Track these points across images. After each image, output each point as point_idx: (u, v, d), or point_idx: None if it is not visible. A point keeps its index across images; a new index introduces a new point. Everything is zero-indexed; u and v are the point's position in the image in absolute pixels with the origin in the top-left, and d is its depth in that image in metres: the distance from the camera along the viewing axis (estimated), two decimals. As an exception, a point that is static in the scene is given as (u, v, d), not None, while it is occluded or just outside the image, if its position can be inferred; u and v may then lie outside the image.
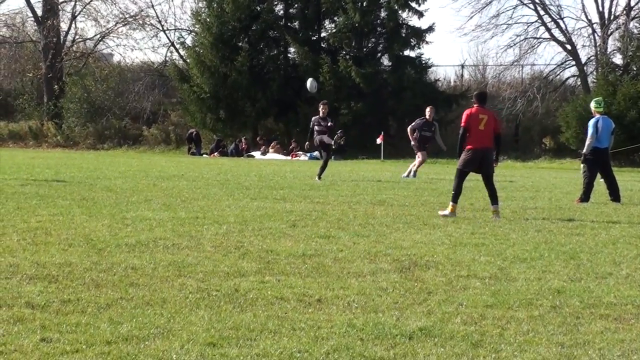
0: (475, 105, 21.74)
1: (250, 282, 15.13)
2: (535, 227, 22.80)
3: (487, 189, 23.88)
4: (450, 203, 23.02)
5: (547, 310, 13.55)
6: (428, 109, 48.12)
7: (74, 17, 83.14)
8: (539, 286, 15.53)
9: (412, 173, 45.44)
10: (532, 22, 78.94)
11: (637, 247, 20.31)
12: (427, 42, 73.98)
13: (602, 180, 32.93)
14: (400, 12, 72.28)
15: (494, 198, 23.72)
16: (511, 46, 79.44)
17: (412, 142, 46.35)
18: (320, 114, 36.86)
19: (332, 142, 38.91)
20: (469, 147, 21.82)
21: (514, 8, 79.38)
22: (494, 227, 22.51)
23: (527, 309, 13.59)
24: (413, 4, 73.27)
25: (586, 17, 79.80)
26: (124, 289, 14.41)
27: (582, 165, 31.22)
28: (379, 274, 16.15)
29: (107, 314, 12.47)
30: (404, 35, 72.83)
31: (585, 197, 30.12)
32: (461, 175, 23.18)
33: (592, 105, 31.21)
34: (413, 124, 46.93)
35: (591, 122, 30.44)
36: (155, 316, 12.41)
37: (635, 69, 69.97)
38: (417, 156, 46.01)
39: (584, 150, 30.44)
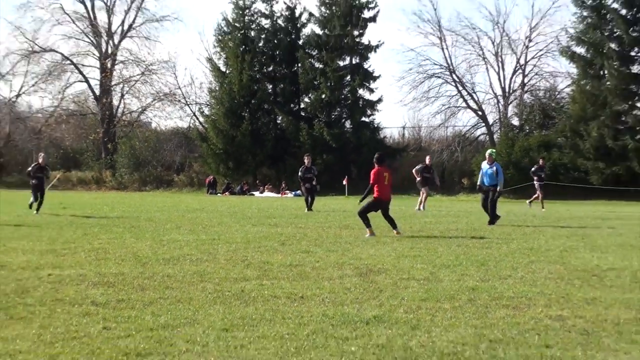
0: (377, 166, 21.49)
1: (253, 285, 15.41)
2: (456, 243, 23.06)
3: (387, 219, 23.45)
4: (367, 229, 22.57)
5: (464, 302, 13.90)
6: (427, 157, 47.19)
7: (122, 96, 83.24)
8: (458, 285, 15.85)
9: (422, 206, 43.54)
10: (454, 95, 79.01)
11: (529, 257, 20.65)
12: (378, 111, 73.95)
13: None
14: (358, 89, 72.17)
15: (393, 224, 23.31)
16: (438, 112, 79.82)
17: (418, 180, 44.17)
18: (306, 164, 36.66)
19: (316, 185, 37.69)
20: (376, 196, 21.86)
21: (440, 85, 79.09)
22: (427, 242, 22.66)
23: (450, 302, 13.92)
24: (367, 84, 73.29)
25: (492, 91, 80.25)
26: (161, 290, 14.71)
27: (483, 197, 30.25)
28: (344, 278, 16.42)
29: (150, 309, 12.76)
30: (361, 105, 72.62)
31: (492, 221, 29.63)
32: (364, 215, 22.70)
33: (493, 154, 30.80)
34: (417, 167, 44.88)
35: (500, 168, 30.10)
36: (184, 310, 12.72)
37: (527, 128, 70.56)
38: (421, 192, 44.25)
39: (499, 188, 29.58)
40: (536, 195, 43.49)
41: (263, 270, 17.88)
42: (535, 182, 44.12)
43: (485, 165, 30.27)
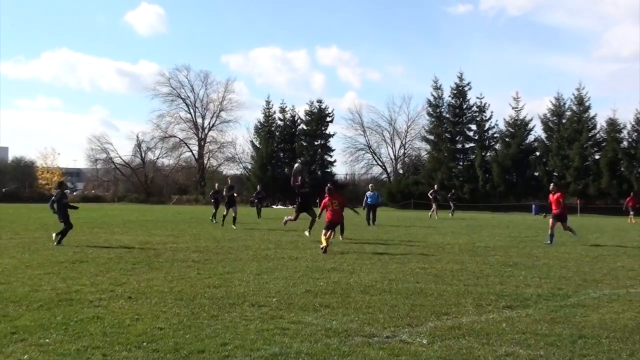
0: (327, 195, 18.65)
1: (271, 252, 16.21)
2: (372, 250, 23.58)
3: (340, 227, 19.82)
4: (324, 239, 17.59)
5: (376, 261, 14.69)
6: (436, 185, 46.26)
7: (208, 159, 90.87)
8: (372, 252, 16.59)
9: (435, 215, 40.16)
10: (370, 159, 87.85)
11: (408, 238, 21.68)
12: (334, 166, 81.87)
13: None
14: (324, 156, 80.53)
15: (341, 230, 20.30)
16: (363, 167, 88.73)
17: (432, 198, 40.91)
18: (229, 183, 29.09)
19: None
20: (327, 218, 18.30)
21: (363, 154, 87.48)
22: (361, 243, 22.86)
23: (370, 260, 14.71)
24: (329, 153, 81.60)
25: (389, 156, 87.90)
26: (226, 254, 15.52)
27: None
28: (319, 250, 17.04)
29: (221, 264, 13.52)
30: (325, 164, 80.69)
31: (374, 223, 29.12)
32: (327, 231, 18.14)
33: (373, 187, 31.71)
34: (432, 191, 41.80)
35: (378, 194, 30.88)
36: (237, 264, 13.49)
37: (407, 175, 77.02)
38: (433, 205, 40.79)
39: (379, 201, 30.52)
40: (433, 209, 41.13)
41: (278, 245, 18.46)
42: (432, 202, 41.38)
43: (369, 193, 30.39)
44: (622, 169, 64.00)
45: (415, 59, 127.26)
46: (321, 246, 16.48)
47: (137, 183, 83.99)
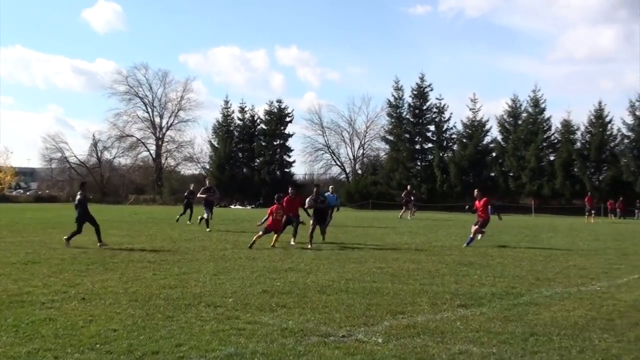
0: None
1: (229, 252, 16.13)
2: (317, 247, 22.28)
3: (293, 227, 19.43)
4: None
5: (334, 261, 14.87)
6: (409, 186, 44.02)
7: (166, 158, 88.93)
8: (330, 251, 16.92)
9: (408, 215, 39.36)
10: (329, 159, 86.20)
11: (365, 238, 21.82)
12: (292, 166, 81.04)
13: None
14: (283, 156, 79.87)
15: (295, 235, 19.51)
16: (322, 167, 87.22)
17: (405, 199, 40.40)
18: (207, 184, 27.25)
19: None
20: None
21: (322, 154, 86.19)
22: (319, 246, 19.55)
23: (327, 260, 14.85)
24: (288, 153, 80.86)
25: (348, 156, 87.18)
26: (183, 255, 15.44)
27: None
28: (274, 250, 17.46)
29: (177, 264, 13.40)
30: (284, 164, 79.95)
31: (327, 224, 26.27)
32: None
33: (333, 189, 30.15)
34: (405, 192, 41.03)
35: (337, 196, 29.15)
36: (194, 265, 13.46)
37: (366, 175, 76.55)
38: (407, 207, 40.19)
39: (338, 205, 28.37)
40: (404, 209, 40.61)
41: (235, 245, 18.38)
42: (404, 202, 40.87)
43: (329, 194, 27.77)
44: (575, 169, 65.22)
45: (375, 59, 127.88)
46: (250, 243, 17.55)
47: (93, 183, 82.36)
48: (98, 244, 17.32)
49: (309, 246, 17.80)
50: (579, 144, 67.05)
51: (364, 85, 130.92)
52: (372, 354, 6.53)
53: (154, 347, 6.65)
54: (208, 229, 24.05)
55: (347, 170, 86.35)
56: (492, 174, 69.77)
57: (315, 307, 8.94)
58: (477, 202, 20.00)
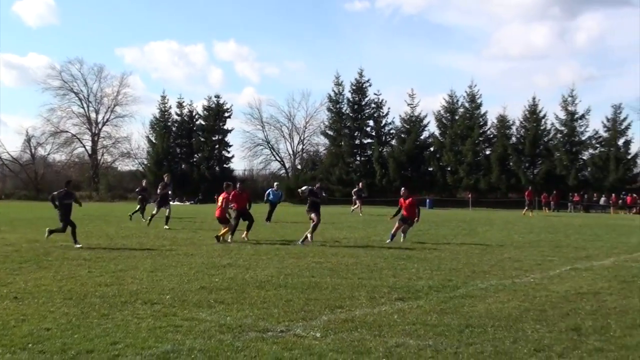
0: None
1: (167, 248, 15.87)
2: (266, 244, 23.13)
3: (248, 220, 19.36)
4: (230, 235, 18.47)
5: (273, 255, 14.76)
6: (360, 183, 43.30)
7: (102, 154, 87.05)
8: (270, 247, 16.78)
9: (359, 210, 38.07)
10: (269, 154, 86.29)
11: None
12: (232, 162, 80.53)
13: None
14: (222, 151, 79.06)
15: (249, 228, 19.37)
16: (262, 162, 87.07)
17: (356, 195, 39.36)
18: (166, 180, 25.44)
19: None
20: (234, 206, 18.61)
21: (262, 149, 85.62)
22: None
23: (266, 255, 14.83)
24: (227, 149, 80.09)
25: (288, 152, 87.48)
26: (120, 252, 15.14)
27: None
28: (214, 246, 17.29)
29: (113, 261, 13.20)
30: (223, 159, 79.35)
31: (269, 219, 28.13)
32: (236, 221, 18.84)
33: (278, 184, 31.66)
34: (356, 189, 39.81)
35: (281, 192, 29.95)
36: (130, 262, 13.17)
37: (305, 171, 75.51)
38: (357, 202, 39.02)
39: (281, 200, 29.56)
40: (357, 205, 39.34)
41: (173, 241, 18.15)
42: (355, 198, 39.71)
43: (274, 190, 29.85)
44: (510, 164, 66.71)
45: (314, 54, 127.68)
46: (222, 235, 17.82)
47: (27, 180, 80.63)
48: (76, 244, 16.73)
49: (300, 242, 17.29)
50: (514, 138, 68.72)
51: (304, 80, 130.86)
52: (309, 348, 6.54)
53: (89, 346, 6.53)
54: (166, 225, 23.56)
55: (287, 165, 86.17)
56: (430, 169, 70.69)
57: (254, 302, 8.91)
58: (401, 200, 19.72)
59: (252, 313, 8.21)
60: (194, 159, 79.10)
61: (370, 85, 74.02)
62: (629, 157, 64.28)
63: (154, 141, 78.98)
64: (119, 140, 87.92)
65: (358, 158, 74.69)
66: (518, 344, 6.83)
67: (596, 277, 11.95)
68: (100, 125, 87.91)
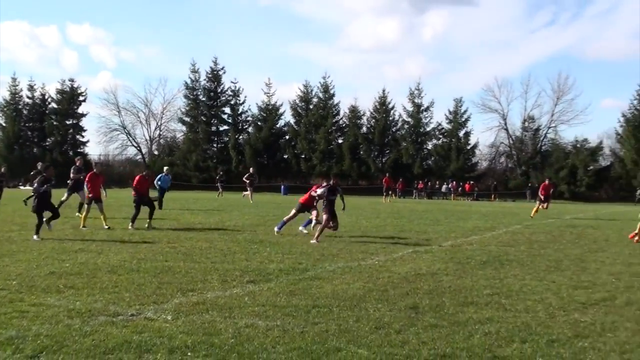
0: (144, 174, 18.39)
1: (17, 233, 15.13)
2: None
3: (148, 207, 18.24)
4: (132, 223, 17.58)
5: (127, 271, 14.39)
6: (251, 169, 41.10)
7: None
8: (127, 257, 16.41)
9: (250, 198, 37.05)
10: (125, 140, 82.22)
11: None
12: (87, 146, 77.06)
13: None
14: (77, 136, 75.88)
15: (150, 215, 18.10)
16: (118, 148, 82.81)
17: (248, 182, 38.08)
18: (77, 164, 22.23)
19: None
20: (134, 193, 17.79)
21: (118, 135, 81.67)
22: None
23: (116, 271, 14.46)
24: (81, 132, 76.52)
25: (145, 137, 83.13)
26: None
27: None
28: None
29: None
30: (78, 143, 76.04)
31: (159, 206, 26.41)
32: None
33: (168, 169, 29.70)
34: (247, 175, 38.55)
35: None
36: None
37: (162, 157, 73.58)
38: (248, 189, 37.90)
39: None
40: (247, 192, 38.01)
41: (22, 226, 17.29)
42: (248, 183, 38.09)
43: (164, 175, 28.50)
44: (361, 152, 69.15)
45: (170, 41, 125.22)
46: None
47: None
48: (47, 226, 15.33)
49: (314, 241, 15.35)
50: (364, 128, 71.48)
51: (161, 66, 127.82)
52: (160, 330, 6.50)
53: None
54: (78, 213, 21.01)
55: (144, 151, 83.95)
56: (285, 156, 71.68)
57: (105, 287, 8.73)
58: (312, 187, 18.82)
59: (103, 297, 8.02)
60: (47, 143, 75.86)
61: (224, 73, 74.28)
62: (469, 147, 68.01)
63: (3, 124, 75.49)
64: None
65: (215, 145, 74.54)
66: (360, 322, 7.06)
67: (435, 259, 12.53)
68: None
